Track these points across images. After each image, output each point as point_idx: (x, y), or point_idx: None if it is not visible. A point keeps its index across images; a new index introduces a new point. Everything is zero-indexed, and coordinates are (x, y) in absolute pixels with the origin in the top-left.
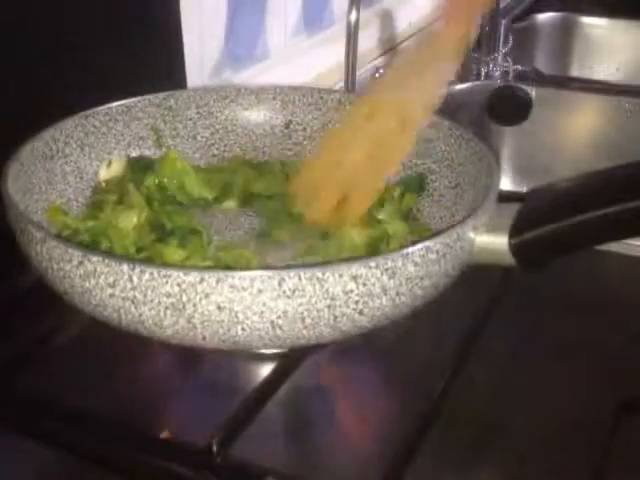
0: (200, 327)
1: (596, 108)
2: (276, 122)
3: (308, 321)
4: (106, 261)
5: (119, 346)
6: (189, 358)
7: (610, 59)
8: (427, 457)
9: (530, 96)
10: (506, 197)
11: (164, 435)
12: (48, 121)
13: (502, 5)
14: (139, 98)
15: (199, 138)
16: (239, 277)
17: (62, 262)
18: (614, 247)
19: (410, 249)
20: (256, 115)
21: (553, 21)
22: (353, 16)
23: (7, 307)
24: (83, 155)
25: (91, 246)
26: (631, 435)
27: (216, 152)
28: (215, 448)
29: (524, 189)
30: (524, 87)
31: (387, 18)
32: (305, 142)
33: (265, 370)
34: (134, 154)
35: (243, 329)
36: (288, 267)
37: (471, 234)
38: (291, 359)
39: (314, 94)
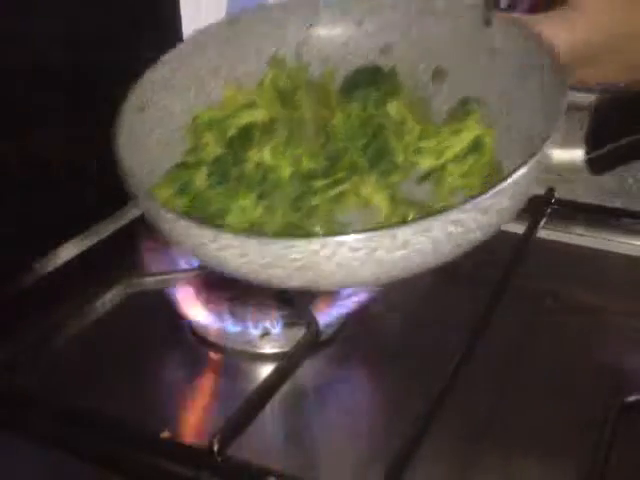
0: (323, 280)
1: None
2: (337, 30)
3: (415, 263)
4: (237, 237)
5: (119, 346)
6: (189, 358)
7: None
8: (427, 457)
9: None
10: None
11: (164, 435)
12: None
13: (502, 5)
14: (205, 29)
15: (265, 55)
16: (355, 240)
17: (196, 238)
18: (614, 247)
19: (501, 187)
20: (317, 24)
21: None
22: None
23: (7, 307)
24: (168, 97)
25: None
26: (631, 435)
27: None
28: (215, 448)
29: None
30: None
31: None
32: (366, 42)
33: (265, 370)
34: (212, 83)
35: (360, 277)
36: (396, 225)
37: (550, 152)
38: (291, 359)
39: None
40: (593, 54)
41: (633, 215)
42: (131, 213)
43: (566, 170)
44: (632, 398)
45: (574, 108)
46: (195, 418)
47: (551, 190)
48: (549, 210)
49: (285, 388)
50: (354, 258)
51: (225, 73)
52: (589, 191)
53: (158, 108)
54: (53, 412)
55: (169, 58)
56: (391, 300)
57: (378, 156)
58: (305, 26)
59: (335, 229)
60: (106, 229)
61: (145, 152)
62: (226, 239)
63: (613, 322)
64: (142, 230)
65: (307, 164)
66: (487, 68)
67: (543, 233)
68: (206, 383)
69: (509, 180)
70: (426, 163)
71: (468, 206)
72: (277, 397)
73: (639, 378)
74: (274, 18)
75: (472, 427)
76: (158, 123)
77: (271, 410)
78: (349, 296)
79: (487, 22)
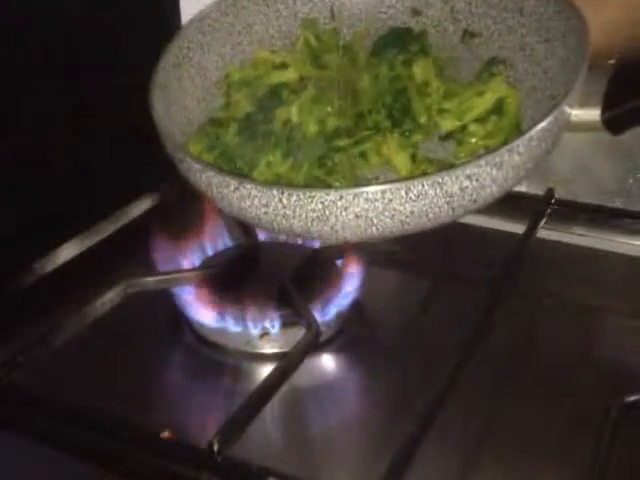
0: (341, 231)
1: None
2: None
3: (430, 216)
4: (258, 187)
5: (119, 346)
6: (190, 358)
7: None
8: (427, 457)
9: None
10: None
11: (164, 435)
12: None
13: None
14: None
15: (299, 15)
16: (372, 192)
17: (220, 187)
18: (614, 247)
19: (516, 142)
20: None
21: None
22: None
23: (7, 307)
24: (203, 54)
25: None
26: (631, 435)
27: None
28: (216, 448)
29: (524, 189)
30: None
31: None
32: (398, 3)
33: (265, 370)
34: (245, 42)
35: (377, 229)
36: (411, 178)
37: (567, 110)
38: (291, 359)
39: None
40: None
41: (633, 215)
42: (131, 213)
43: (585, 128)
44: (632, 398)
45: (594, 70)
46: (195, 418)
47: (551, 190)
48: (549, 210)
49: (285, 388)
50: (370, 209)
51: (259, 32)
52: (589, 191)
53: (193, 64)
54: (53, 412)
55: (205, 14)
56: (391, 300)
57: (401, 116)
58: None
59: (357, 185)
60: (106, 229)
61: (180, 107)
62: (248, 188)
63: (613, 322)
64: (142, 230)
65: (333, 123)
66: (515, 29)
67: (543, 233)
68: (206, 383)
69: (525, 136)
70: (448, 124)
71: (482, 161)
72: (277, 397)
73: (639, 378)
74: None
75: (472, 427)
76: (193, 79)
77: (271, 410)
78: (349, 295)
79: None
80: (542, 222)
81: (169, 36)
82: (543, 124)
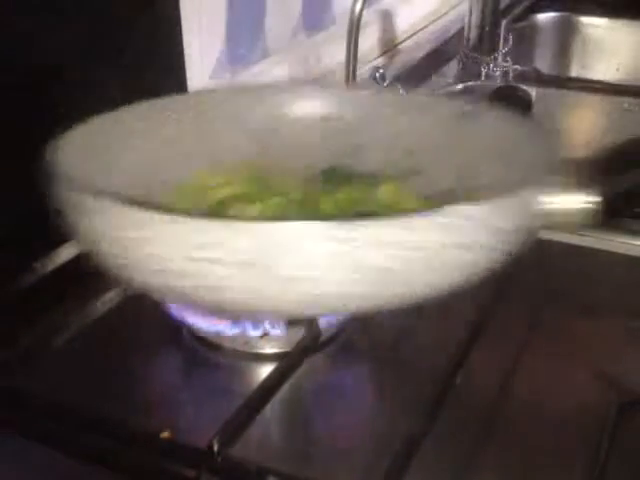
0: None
1: (596, 108)
2: (307, 121)
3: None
4: (167, 217)
5: (119, 346)
6: (189, 358)
7: (610, 59)
8: (427, 457)
9: (530, 96)
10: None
11: (164, 435)
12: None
13: (502, 5)
14: (171, 97)
15: (231, 140)
16: (327, 227)
17: (113, 221)
18: (614, 247)
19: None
20: (288, 113)
21: (553, 21)
22: (358, 6)
23: (7, 307)
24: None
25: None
26: (631, 435)
27: (248, 153)
28: (216, 448)
29: None
30: (524, 87)
31: (387, 18)
32: (339, 138)
33: (265, 370)
34: (165, 154)
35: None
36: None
37: (545, 196)
38: (291, 359)
39: (346, 91)
40: None
41: (633, 215)
42: None
43: (569, 219)
44: (632, 398)
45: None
46: (195, 418)
47: None
48: None
49: (285, 388)
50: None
51: (185, 145)
52: None
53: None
54: (53, 412)
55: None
56: None
57: None
58: (274, 114)
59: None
60: None
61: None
62: (153, 220)
63: (613, 322)
64: None
65: None
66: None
67: (543, 233)
68: (206, 383)
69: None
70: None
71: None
72: (277, 397)
73: (639, 378)
74: (244, 101)
75: (472, 427)
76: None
77: (271, 410)
78: None
79: (465, 115)
80: None
81: (168, 37)
82: (512, 197)
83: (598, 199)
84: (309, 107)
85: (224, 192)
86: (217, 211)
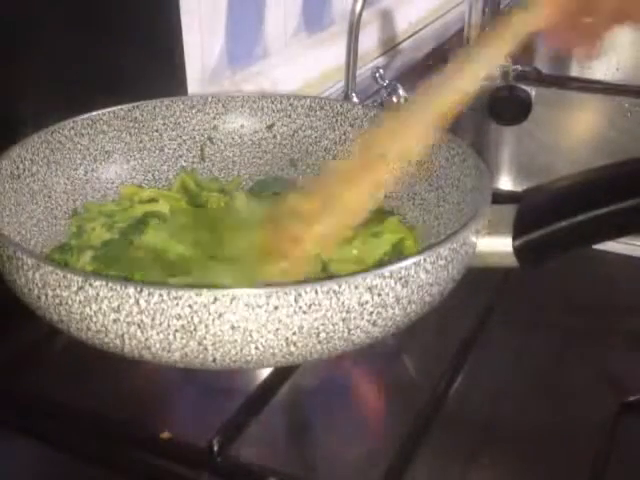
0: (211, 349)
1: (596, 108)
2: (244, 131)
3: (322, 335)
4: (110, 285)
5: None
6: None
7: (610, 59)
8: (427, 457)
9: (530, 96)
10: (507, 197)
11: (164, 435)
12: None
13: (502, 5)
14: (104, 111)
15: (166, 150)
16: (254, 294)
17: (58, 289)
18: (614, 247)
19: (422, 256)
20: (223, 124)
21: None
22: (358, 6)
23: (7, 307)
24: (50, 172)
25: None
26: (631, 435)
27: (184, 164)
28: (215, 448)
29: (524, 187)
30: (524, 87)
31: (387, 18)
32: (275, 150)
33: (265, 370)
34: (100, 169)
35: (257, 348)
36: (303, 282)
37: (474, 238)
38: None
39: (283, 101)
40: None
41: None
42: None
43: (497, 260)
44: (632, 398)
45: (506, 199)
46: (195, 418)
47: None
48: None
49: (285, 388)
50: (251, 318)
51: (117, 161)
52: None
53: (35, 180)
54: (52, 412)
55: (56, 129)
56: None
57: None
58: (210, 125)
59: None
60: None
61: (14, 222)
62: (96, 286)
63: (613, 322)
64: None
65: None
66: (403, 179)
67: None
68: (206, 383)
69: (432, 251)
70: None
71: (386, 271)
72: (277, 397)
73: (639, 378)
74: (179, 112)
75: (472, 427)
76: (34, 196)
77: (271, 410)
78: None
79: None
80: None
81: (169, 37)
82: (450, 243)
83: (519, 244)
84: (248, 118)
85: (144, 209)
86: (132, 229)
